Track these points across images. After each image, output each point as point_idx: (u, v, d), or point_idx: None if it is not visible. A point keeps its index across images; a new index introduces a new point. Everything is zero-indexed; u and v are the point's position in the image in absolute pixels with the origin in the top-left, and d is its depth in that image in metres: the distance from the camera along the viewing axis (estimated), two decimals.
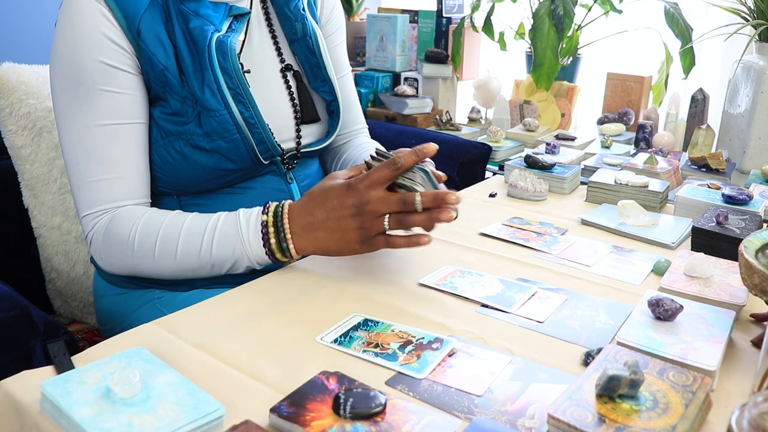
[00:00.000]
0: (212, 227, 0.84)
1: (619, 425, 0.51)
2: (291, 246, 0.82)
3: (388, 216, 0.79)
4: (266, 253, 0.83)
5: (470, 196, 1.20)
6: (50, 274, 1.21)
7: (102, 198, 0.88)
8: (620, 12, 1.86)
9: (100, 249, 0.89)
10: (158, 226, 0.86)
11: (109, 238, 0.88)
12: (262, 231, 0.82)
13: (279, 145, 0.97)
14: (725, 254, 0.86)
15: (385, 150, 0.85)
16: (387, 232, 0.81)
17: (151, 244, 0.85)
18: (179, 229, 0.85)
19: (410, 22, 2.10)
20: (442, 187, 0.82)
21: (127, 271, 0.90)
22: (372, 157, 0.83)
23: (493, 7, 1.94)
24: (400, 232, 0.82)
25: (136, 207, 0.90)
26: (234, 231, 0.83)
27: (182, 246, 0.85)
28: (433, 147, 0.81)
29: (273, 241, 0.82)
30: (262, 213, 0.83)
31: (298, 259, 0.86)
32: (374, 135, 1.29)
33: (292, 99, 1.02)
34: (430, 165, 0.86)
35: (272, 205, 0.84)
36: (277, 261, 0.85)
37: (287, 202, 0.84)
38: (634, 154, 1.44)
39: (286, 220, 0.82)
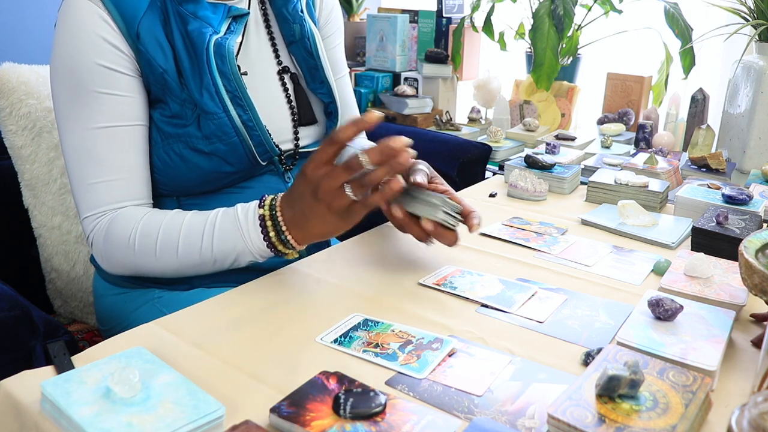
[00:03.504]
0: (211, 223, 0.84)
1: (619, 425, 0.51)
2: (290, 237, 0.81)
3: (348, 186, 0.76)
4: (267, 246, 0.82)
5: (470, 196, 1.20)
6: (50, 274, 1.21)
7: (102, 200, 0.88)
8: (620, 12, 1.86)
9: (101, 250, 0.89)
10: (158, 226, 0.86)
11: (110, 239, 0.88)
12: (260, 225, 0.82)
13: (277, 146, 0.97)
14: (725, 254, 0.86)
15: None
16: (358, 199, 0.77)
17: (152, 244, 0.86)
18: (179, 227, 0.85)
19: (410, 22, 2.11)
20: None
21: (130, 271, 0.90)
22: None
23: (493, 7, 1.94)
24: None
25: (136, 207, 0.90)
26: (234, 226, 0.83)
27: (183, 244, 0.85)
28: (375, 115, 0.75)
29: (272, 234, 0.82)
30: (259, 207, 0.83)
31: (301, 249, 0.85)
32: (374, 135, 1.29)
33: (289, 101, 1.02)
34: (422, 165, 0.86)
35: (268, 199, 0.83)
36: (279, 253, 0.84)
37: (280, 195, 0.83)
38: (634, 154, 1.44)
39: (279, 214, 0.81)
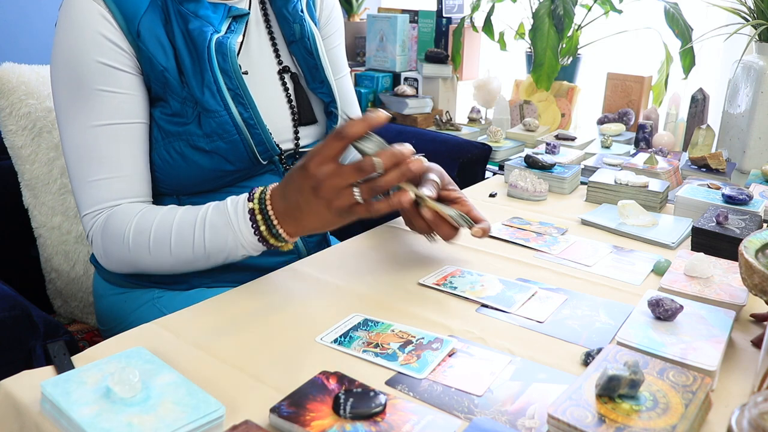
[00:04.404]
0: (202, 218, 0.83)
1: (619, 425, 0.51)
2: (281, 231, 0.80)
3: (356, 188, 0.75)
4: (259, 240, 0.82)
5: (470, 196, 1.19)
6: (50, 274, 1.21)
7: (102, 197, 0.88)
8: (620, 12, 1.86)
9: (100, 247, 0.90)
10: (151, 222, 0.86)
11: (106, 236, 0.88)
12: (250, 219, 0.81)
13: (278, 146, 0.97)
14: (725, 254, 0.86)
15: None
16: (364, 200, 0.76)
17: (146, 241, 0.85)
18: (171, 223, 0.85)
19: (410, 22, 2.11)
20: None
21: (128, 268, 0.90)
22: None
23: (493, 7, 1.94)
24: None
25: (132, 204, 0.89)
26: (224, 221, 0.82)
27: (175, 240, 0.84)
28: (383, 116, 0.75)
29: (263, 228, 0.80)
30: (248, 200, 0.81)
31: (294, 240, 0.84)
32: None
33: (289, 101, 1.02)
34: (433, 176, 0.86)
35: (257, 191, 0.81)
36: (272, 246, 0.83)
37: (270, 187, 0.81)
38: (634, 154, 1.44)
39: (269, 207, 0.80)
